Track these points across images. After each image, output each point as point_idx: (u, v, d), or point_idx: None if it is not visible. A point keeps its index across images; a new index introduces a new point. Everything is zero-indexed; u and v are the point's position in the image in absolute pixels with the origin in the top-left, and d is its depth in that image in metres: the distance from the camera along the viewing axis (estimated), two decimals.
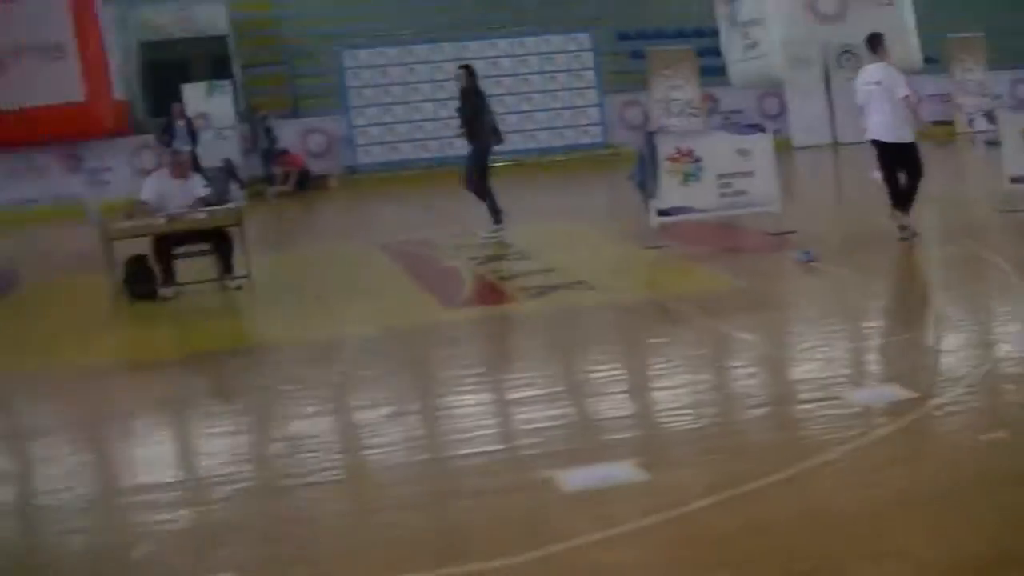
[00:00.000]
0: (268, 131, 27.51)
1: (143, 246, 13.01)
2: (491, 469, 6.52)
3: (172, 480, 6.95)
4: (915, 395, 7.12)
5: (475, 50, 29.34)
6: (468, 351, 9.52)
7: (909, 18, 31.10)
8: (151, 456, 7.48)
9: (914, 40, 29.41)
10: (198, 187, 13.41)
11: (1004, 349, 8.26)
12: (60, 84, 26.29)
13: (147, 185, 13.47)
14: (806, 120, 30.04)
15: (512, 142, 29.02)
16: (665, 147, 13.73)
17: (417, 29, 31.80)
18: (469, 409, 7.80)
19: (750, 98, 31.70)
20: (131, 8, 32.85)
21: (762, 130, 14.35)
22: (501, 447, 6.96)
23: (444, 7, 35.37)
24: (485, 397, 8.19)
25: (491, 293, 11.85)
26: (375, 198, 24.77)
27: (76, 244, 17.84)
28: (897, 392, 7.21)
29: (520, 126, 29.25)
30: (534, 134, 29.47)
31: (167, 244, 12.93)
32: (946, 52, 31.27)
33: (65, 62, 26.64)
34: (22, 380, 9.91)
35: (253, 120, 27.71)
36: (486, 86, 28.78)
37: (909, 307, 10.59)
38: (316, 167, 28.04)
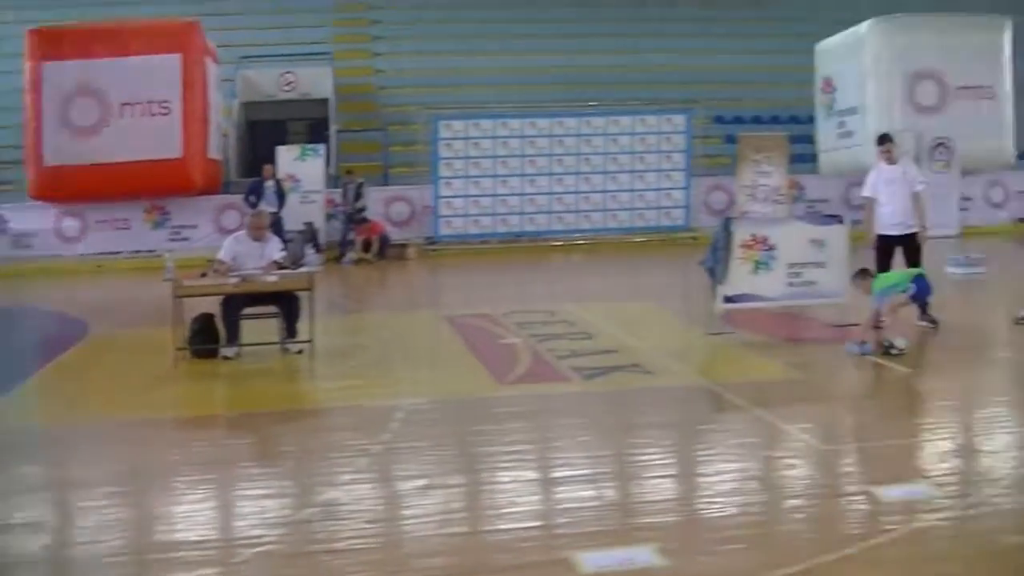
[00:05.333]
0: (359, 196, 27.73)
1: (213, 304, 13.25)
2: (514, 547, 6.59)
3: (199, 539, 7.05)
4: (946, 494, 7.08)
5: (569, 126, 29.55)
6: (513, 428, 9.53)
7: (1008, 113, 30.99)
8: (184, 513, 7.60)
9: (1010, 135, 29.19)
10: (274, 250, 13.61)
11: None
12: (160, 140, 26.78)
13: (226, 245, 13.71)
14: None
15: (593, 221, 29.34)
16: (741, 233, 13.72)
17: (515, 103, 32.09)
18: (505, 485, 7.89)
19: (837, 187, 31.54)
20: (238, 68, 33.54)
21: (839, 221, 14.28)
22: (529, 525, 7.00)
23: (542, 83, 35.78)
24: (522, 474, 8.21)
25: (546, 371, 11.85)
26: (451, 269, 24.90)
27: (151, 298, 18.14)
28: (928, 491, 7.19)
29: (603, 205, 29.35)
30: (616, 214, 29.50)
31: (236, 304, 13.14)
32: None
33: (169, 118, 27.15)
34: (72, 432, 10.10)
35: (347, 183, 27.95)
36: (575, 163, 29.20)
37: (956, 406, 10.47)
38: (397, 235, 28.24)
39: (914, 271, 13.09)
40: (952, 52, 30.81)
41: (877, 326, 12.42)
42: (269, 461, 9.08)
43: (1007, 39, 31.53)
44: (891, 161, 14.51)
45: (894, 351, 11.95)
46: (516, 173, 29.11)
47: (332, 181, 29.50)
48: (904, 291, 12.59)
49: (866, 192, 14.60)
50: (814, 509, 7.13)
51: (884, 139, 14.86)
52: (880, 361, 11.97)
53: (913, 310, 13.14)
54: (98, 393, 11.85)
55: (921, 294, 12.67)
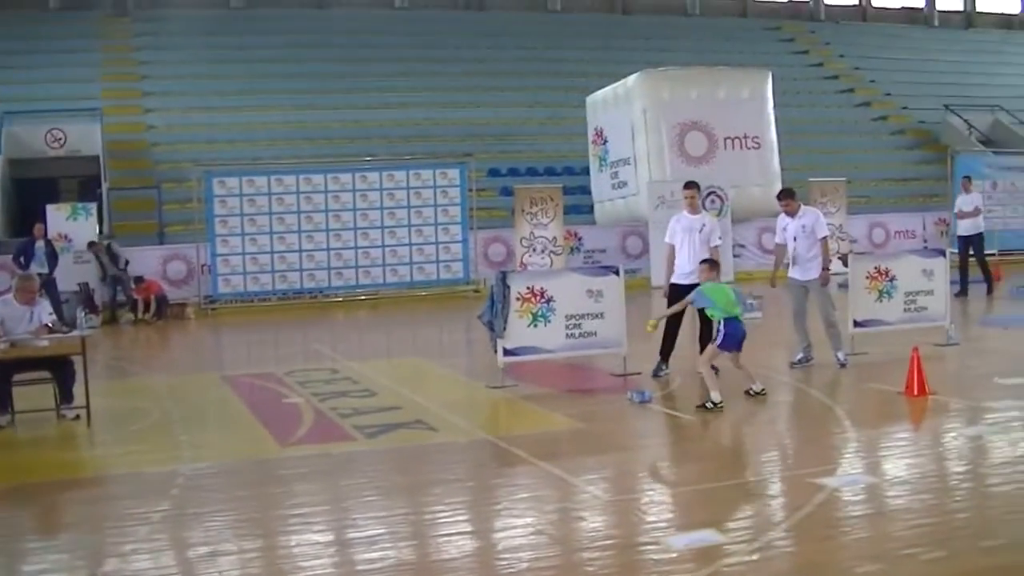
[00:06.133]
0: (114, 257, 27.09)
1: None
2: None
3: None
4: (731, 539, 7.28)
5: (344, 181, 29.50)
6: (298, 489, 9.46)
7: (775, 161, 32.17)
8: None
9: (777, 182, 30.25)
10: (44, 313, 13.22)
11: (825, 493, 8.45)
12: None
13: None
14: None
15: (373, 276, 29.33)
16: (517, 286, 13.90)
17: (290, 158, 31.94)
18: (293, 549, 7.82)
19: (614, 237, 32.24)
20: (2, 123, 32.59)
21: (616, 272, 14.55)
22: None
23: (318, 137, 35.76)
24: (309, 537, 8.13)
25: (328, 431, 11.80)
26: (231, 328, 24.59)
27: None
28: (714, 536, 7.37)
29: (383, 260, 29.36)
30: (396, 268, 29.54)
31: (6, 370, 12.75)
32: (808, 195, 32.24)
33: None
34: None
35: (96, 252, 27.21)
36: (351, 219, 29.16)
37: (736, 450, 10.80)
38: (175, 294, 27.77)
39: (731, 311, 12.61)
40: (718, 104, 31.88)
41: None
42: (48, 534, 8.81)
43: (768, 90, 32.78)
44: (694, 210, 14.64)
45: (709, 405, 11.97)
46: (293, 229, 28.94)
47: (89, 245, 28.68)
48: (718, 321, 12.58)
49: (666, 238, 14.63)
50: (607, 561, 7.22)
51: (689, 185, 14.91)
52: (663, 409, 12.26)
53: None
54: None
55: (729, 341, 12.59)
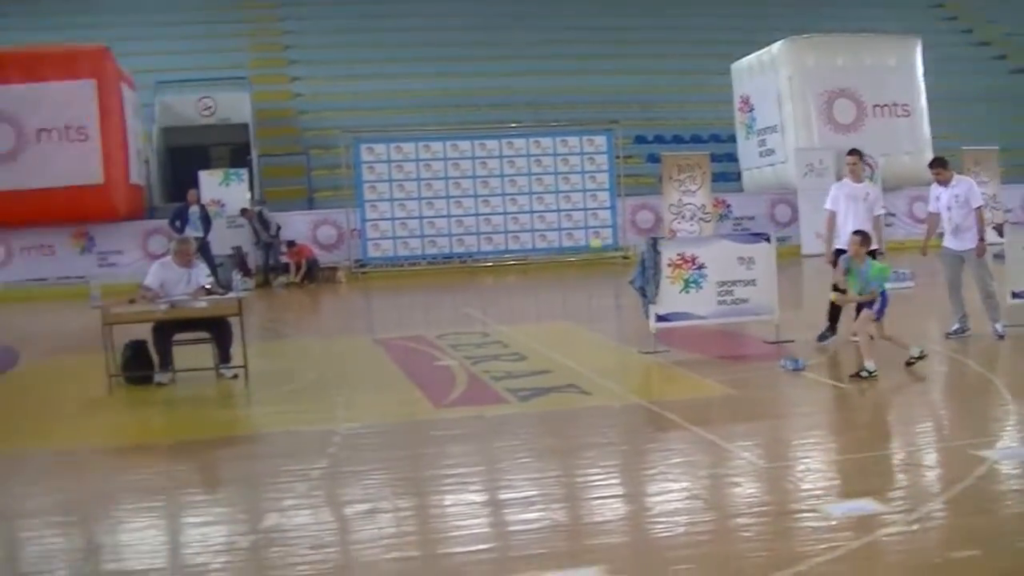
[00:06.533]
0: (265, 223, 27.52)
1: (144, 331, 13.12)
2: (464, 570, 6.52)
3: (144, 568, 6.95)
4: (890, 509, 7.13)
5: (491, 148, 29.58)
6: (452, 451, 9.49)
7: (925, 129, 31.49)
8: (127, 542, 7.49)
9: (929, 152, 29.63)
10: (201, 276, 13.50)
11: (986, 466, 8.23)
12: (80, 166, 26.56)
13: (153, 271, 13.57)
14: (816, 228, 30.20)
15: (522, 241, 29.40)
16: (668, 253, 13.81)
17: (436, 125, 32.08)
18: (450, 509, 7.83)
19: (763, 204, 31.88)
20: (155, 93, 33.28)
21: (767, 239, 14.38)
22: (474, 549, 6.93)
23: (464, 104, 35.81)
24: (466, 498, 8.16)
25: (482, 393, 11.82)
26: (381, 292, 24.80)
27: (80, 325, 17.92)
28: (873, 506, 7.21)
29: (531, 226, 29.40)
30: (544, 234, 29.58)
31: (166, 331, 13.04)
32: (961, 164, 31.52)
33: (87, 144, 26.90)
34: (8, 463, 9.94)
35: (249, 219, 27.68)
36: (499, 185, 29.23)
37: (893, 420, 10.58)
38: (326, 259, 28.12)
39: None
40: (865, 70, 31.29)
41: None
42: (210, 488, 8.99)
43: (917, 57, 32.06)
44: (857, 178, 14.49)
45: (864, 373, 11.71)
46: (441, 195, 29.13)
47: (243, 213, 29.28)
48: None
49: (827, 204, 14.45)
50: (762, 527, 7.10)
51: (853, 152, 14.85)
52: (816, 377, 12.08)
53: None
54: (32, 422, 11.69)
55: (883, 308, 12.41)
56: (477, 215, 29.21)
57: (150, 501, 8.47)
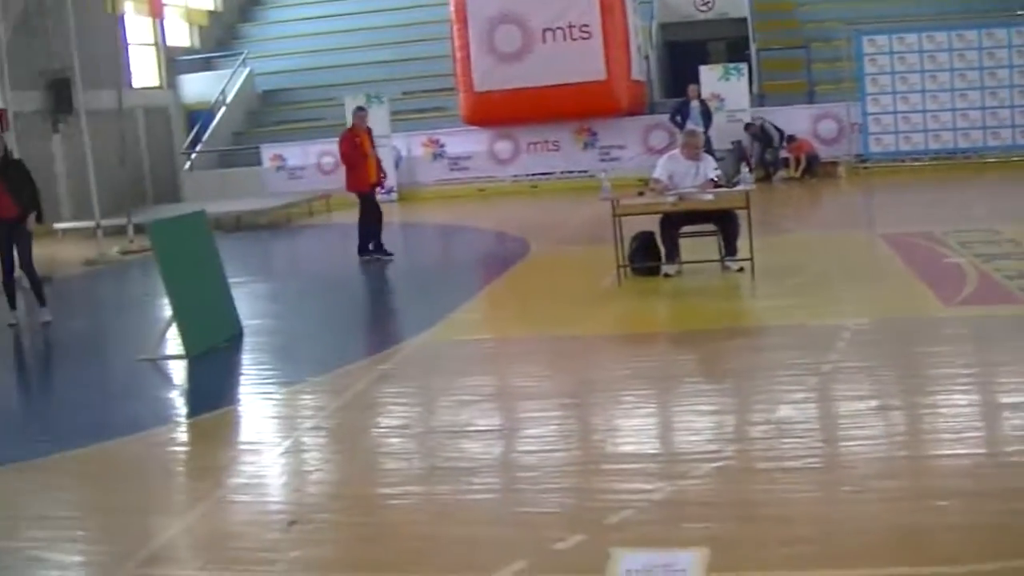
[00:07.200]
0: (768, 137, 27.25)
1: (651, 223, 13.48)
2: (974, 472, 6.40)
3: (654, 452, 7.27)
4: None
5: (999, 38, 28.14)
6: (965, 350, 9.26)
7: None
8: (635, 427, 7.86)
9: None
10: (709, 169, 13.67)
11: None
12: (584, 64, 27.33)
13: (661, 164, 13.87)
14: None
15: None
16: None
17: (937, 15, 30.82)
18: (959, 410, 7.65)
19: None
20: None
21: None
22: (987, 451, 6.81)
23: None
24: (976, 399, 8.00)
25: (994, 292, 11.37)
26: (883, 187, 24.18)
27: (586, 217, 18.63)
28: None
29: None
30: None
31: (674, 223, 13.33)
32: None
33: (590, 42, 27.65)
34: (523, 346, 10.56)
35: (751, 131, 27.46)
36: (1008, 77, 27.65)
37: None
38: (826, 153, 27.75)
39: None
40: None
41: None
42: (716, 378, 9.21)
43: None
44: None
45: None
46: (945, 88, 27.97)
47: (757, 100, 29.23)
48: None
49: None
50: None
51: None
52: None
53: None
54: (544, 308, 12.37)
55: None
56: (984, 108, 27.88)
57: (658, 388, 8.80)
